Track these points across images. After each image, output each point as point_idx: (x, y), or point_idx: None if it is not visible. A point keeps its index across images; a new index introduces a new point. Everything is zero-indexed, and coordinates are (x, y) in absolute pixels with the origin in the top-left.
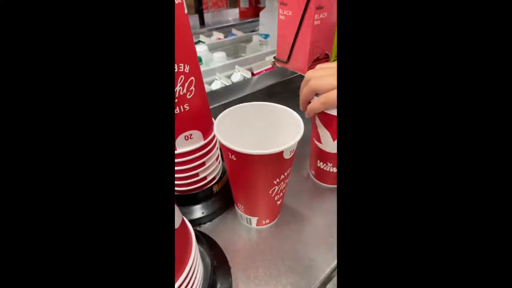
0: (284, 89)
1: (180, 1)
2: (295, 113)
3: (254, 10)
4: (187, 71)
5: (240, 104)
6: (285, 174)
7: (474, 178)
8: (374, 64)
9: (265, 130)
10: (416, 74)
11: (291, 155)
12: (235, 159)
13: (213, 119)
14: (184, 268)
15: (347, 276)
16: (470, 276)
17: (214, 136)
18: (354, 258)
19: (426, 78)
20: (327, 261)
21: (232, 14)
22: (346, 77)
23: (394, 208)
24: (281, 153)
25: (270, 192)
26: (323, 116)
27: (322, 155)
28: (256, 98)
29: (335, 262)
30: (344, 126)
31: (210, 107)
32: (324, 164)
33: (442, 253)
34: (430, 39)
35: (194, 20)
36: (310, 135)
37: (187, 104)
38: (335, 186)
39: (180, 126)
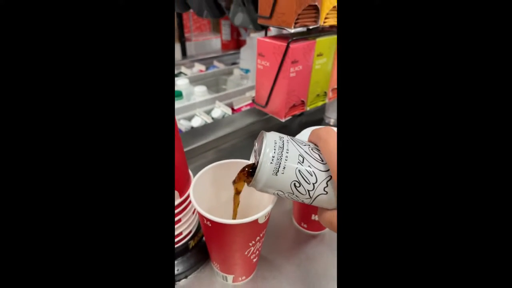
0: (263, 127)
1: None
2: None
3: (235, 42)
4: None
5: (219, 162)
6: (261, 235)
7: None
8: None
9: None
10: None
11: (266, 219)
12: (210, 225)
13: (190, 171)
14: None
15: None
16: None
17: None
18: None
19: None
20: None
21: (215, 44)
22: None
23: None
24: (255, 220)
25: (246, 253)
26: None
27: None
28: (236, 137)
29: None
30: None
31: (190, 147)
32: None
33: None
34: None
35: (176, 50)
36: None
37: None
38: (319, 231)
39: None
